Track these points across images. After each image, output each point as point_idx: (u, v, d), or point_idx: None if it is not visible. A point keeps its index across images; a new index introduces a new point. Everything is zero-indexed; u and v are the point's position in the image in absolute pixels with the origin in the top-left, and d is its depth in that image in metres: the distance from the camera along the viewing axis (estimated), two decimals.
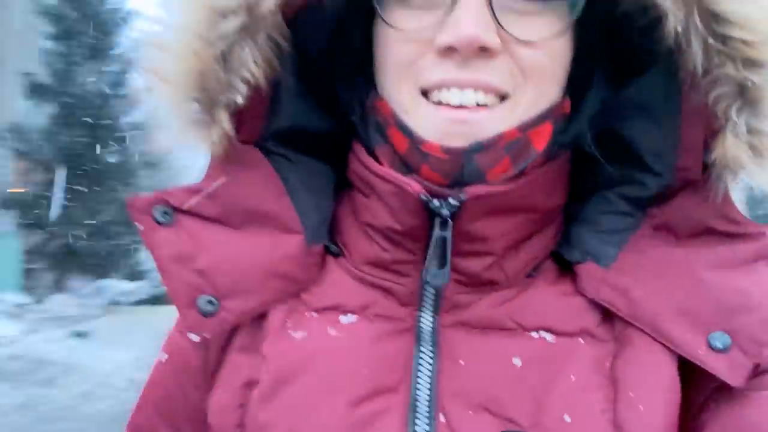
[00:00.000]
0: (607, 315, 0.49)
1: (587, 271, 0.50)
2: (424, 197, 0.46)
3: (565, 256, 0.52)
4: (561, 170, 0.52)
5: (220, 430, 0.51)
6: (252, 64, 0.47)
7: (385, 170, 0.49)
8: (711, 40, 0.43)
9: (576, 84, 0.52)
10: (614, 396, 0.46)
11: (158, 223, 0.50)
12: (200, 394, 0.55)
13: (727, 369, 0.44)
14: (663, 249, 0.49)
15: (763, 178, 0.46)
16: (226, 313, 0.50)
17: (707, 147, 0.47)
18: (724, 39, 0.43)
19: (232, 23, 0.45)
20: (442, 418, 0.46)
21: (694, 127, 0.48)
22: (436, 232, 0.46)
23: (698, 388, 0.47)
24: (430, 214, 0.47)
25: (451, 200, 0.46)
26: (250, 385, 0.50)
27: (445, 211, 0.46)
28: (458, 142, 0.46)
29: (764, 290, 0.46)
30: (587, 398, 0.46)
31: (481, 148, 0.46)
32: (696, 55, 0.43)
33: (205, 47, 0.46)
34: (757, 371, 0.45)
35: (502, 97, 0.47)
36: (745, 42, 0.42)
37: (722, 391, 0.45)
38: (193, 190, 0.52)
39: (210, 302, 0.49)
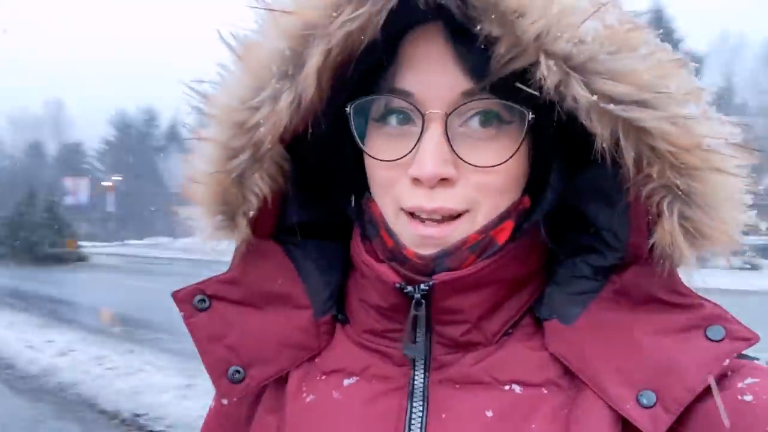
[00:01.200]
0: (567, 367, 0.55)
1: (551, 327, 0.57)
2: (398, 285, 0.55)
3: (536, 314, 0.59)
4: (530, 243, 0.58)
5: None
6: (261, 183, 0.57)
7: (369, 260, 0.58)
8: (640, 148, 0.48)
9: (535, 175, 0.58)
10: None
11: (197, 309, 0.61)
12: None
13: (649, 423, 0.49)
14: (617, 313, 0.55)
15: (696, 260, 0.52)
16: (250, 379, 0.60)
17: (650, 230, 0.52)
18: (651, 147, 0.48)
19: (243, 157, 0.56)
20: None
21: (640, 211, 0.53)
22: (412, 311, 0.55)
23: None
24: (408, 294, 0.55)
25: (422, 286, 0.54)
26: None
27: (417, 295, 0.54)
28: (428, 250, 0.55)
29: (691, 357, 0.51)
30: None
31: (447, 254, 0.55)
32: (627, 158, 0.49)
33: (224, 176, 0.57)
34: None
35: (464, 211, 0.55)
36: (669, 151, 0.48)
37: None
38: (223, 280, 0.63)
39: (237, 371, 0.60)
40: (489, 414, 0.54)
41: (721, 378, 0.51)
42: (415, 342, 0.57)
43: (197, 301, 0.61)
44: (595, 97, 0.47)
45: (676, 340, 0.52)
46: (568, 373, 0.55)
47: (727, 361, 0.50)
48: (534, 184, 0.58)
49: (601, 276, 0.57)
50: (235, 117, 0.55)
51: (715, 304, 0.54)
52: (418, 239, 0.55)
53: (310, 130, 0.58)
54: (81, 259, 28.35)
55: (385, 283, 0.56)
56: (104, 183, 53.95)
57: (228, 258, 0.64)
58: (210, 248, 0.63)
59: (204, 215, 0.60)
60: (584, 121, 0.49)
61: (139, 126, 67.67)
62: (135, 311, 11.72)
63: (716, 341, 0.51)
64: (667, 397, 0.50)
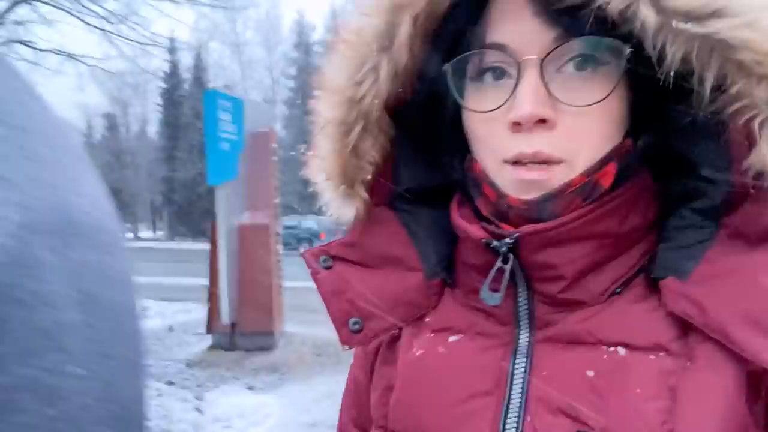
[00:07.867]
0: (684, 330, 0.52)
1: (668, 285, 0.53)
2: (484, 241, 0.57)
3: (651, 274, 0.56)
4: (635, 193, 0.57)
5: (377, 420, 0.67)
6: (373, 151, 0.63)
7: (459, 221, 0.61)
8: (725, 66, 0.47)
9: (637, 121, 0.57)
10: (674, 409, 0.49)
11: (322, 267, 0.68)
12: (368, 388, 0.73)
13: None
14: (735, 257, 0.51)
15: None
16: (368, 330, 0.66)
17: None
18: (737, 63, 0.46)
19: (356, 129, 0.61)
20: (528, 419, 0.54)
21: (737, 139, 0.50)
22: (497, 264, 0.56)
23: None
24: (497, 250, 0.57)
25: (507, 240, 0.55)
26: (389, 389, 0.66)
27: (503, 249, 0.56)
28: (532, 195, 0.55)
29: None
30: (649, 409, 0.50)
31: (552, 197, 0.54)
32: (708, 79, 0.47)
33: (342, 148, 0.63)
34: None
35: (561, 161, 0.54)
36: (756, 61, 0.46)
37: None
38: (344, 243, 0.69)
39: (356, 323, 0.65)
40: (590, 374, 0.53)
41: None
42: (517, 301, 0.59)
43: (322, 261, 0.68)
44: (660, 17, 0.47)
45: None
46: (681, 337, 0.52)
47: None
48: (636, 130, 0.57)
49: (710, 221, 0.54)
50: (346, 93, 0.61)
51: None
52: (521, 184, 0.55)
53: (410, 96, 0.63)
54: None
55: (474, 241, 0.59)
56: None
57: None
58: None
59: (332, 186, 0.66)
60: (655, 44, 0.48)
61: None
62: None
63: None
64: None
